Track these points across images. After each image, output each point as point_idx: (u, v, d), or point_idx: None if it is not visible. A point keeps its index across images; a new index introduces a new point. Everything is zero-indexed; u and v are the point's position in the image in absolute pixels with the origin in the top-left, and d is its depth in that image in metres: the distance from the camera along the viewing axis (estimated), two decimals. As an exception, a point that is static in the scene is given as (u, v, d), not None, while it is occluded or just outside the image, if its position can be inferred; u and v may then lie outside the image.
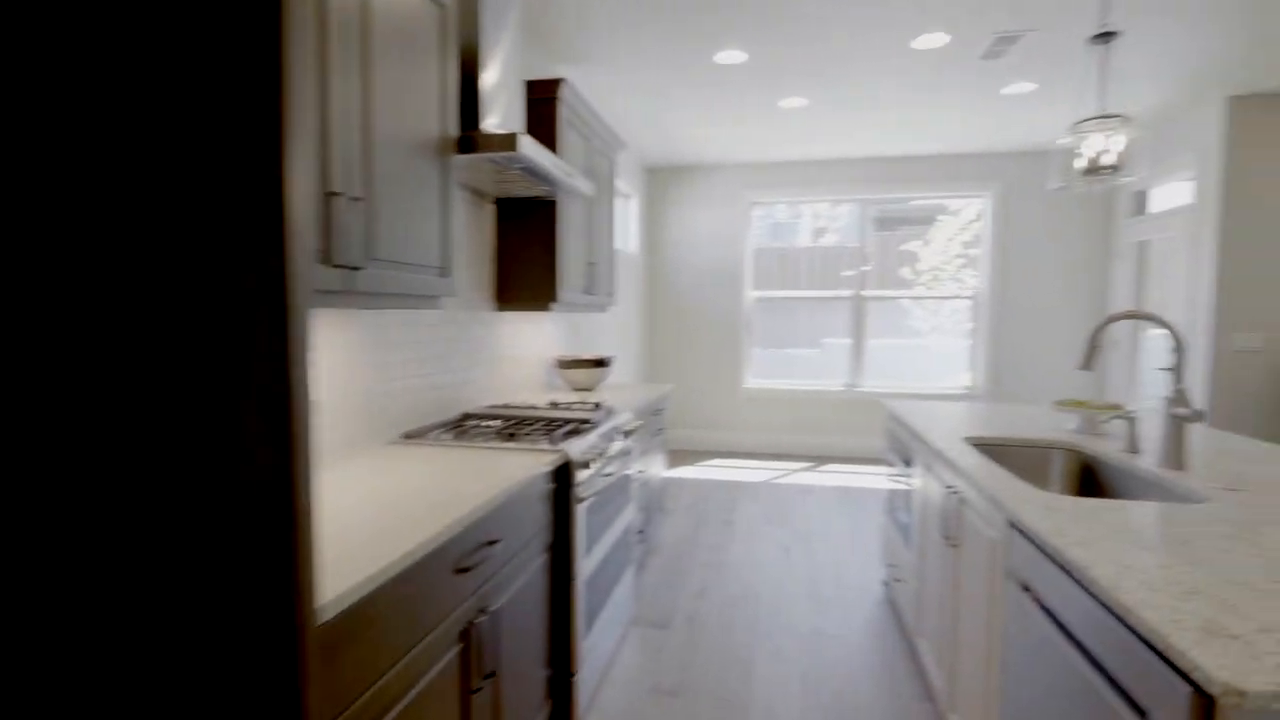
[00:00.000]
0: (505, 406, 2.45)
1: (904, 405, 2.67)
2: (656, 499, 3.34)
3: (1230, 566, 1.02)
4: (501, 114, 2.13)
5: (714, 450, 5.65)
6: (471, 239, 2.53)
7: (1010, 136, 4.58)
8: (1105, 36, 2.33)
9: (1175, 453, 1.66)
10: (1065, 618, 1.11)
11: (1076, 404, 2.20)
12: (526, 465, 1.66)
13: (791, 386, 5.54)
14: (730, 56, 3.18)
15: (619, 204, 5.23)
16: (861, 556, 3.25)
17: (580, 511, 1.87)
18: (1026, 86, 3.60)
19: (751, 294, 5.62)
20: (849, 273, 5.52)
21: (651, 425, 3.14)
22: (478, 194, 2.55)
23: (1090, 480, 1.93)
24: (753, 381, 5.65)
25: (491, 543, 1.43)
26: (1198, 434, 2.11)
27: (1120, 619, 0.94)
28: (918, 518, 2.23)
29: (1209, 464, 1.70)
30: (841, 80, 3.51)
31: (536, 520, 1.70)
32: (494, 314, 2.74)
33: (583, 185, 2.39)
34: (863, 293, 5.43)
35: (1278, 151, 3.73)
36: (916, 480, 2.27)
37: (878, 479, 4.73)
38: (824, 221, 6.94)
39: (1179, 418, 1.65)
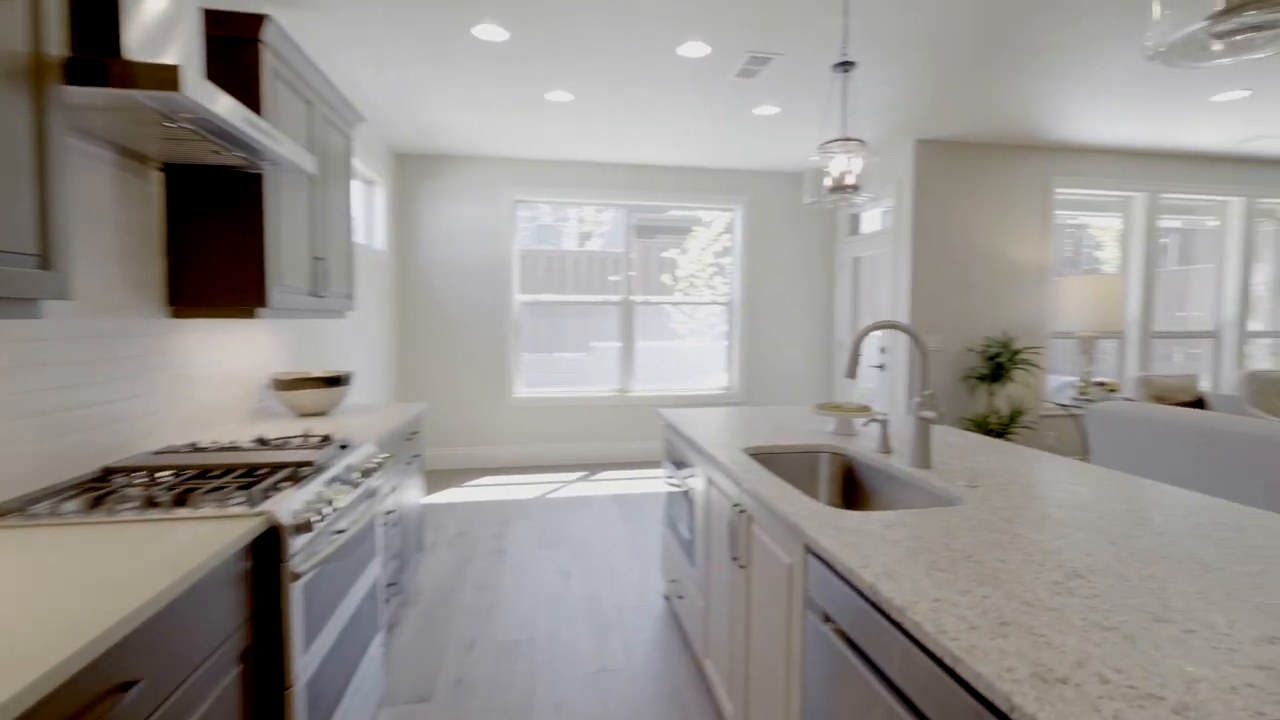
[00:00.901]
0: (186, 450, 1.79)
1: (680, 416, 2.61)
2: (413, 537, 2.85)
3: (1015, 582, 1.00)
4: (160, 41, 1.51)
5: (483, 467, 5.21)
6: (121, 219, 1.81)
7: (759, 155, 4.97)
8: (845, 65, 2.52)
9: (923, 453, 1.77)
10: (877, 656, 1.01)
11: (834, 408, 2.32)
12: (203, 543, 1.13)
13: (563, 394, 5.36)
14: (490, 32, 2.83)
15: (361, 190, 4.51)
16: (642, 568, 3.16)
17: (296, 592, 1.38)
18: (773, 109, 3.88)
19: (519, 297, 5.31)
20: (615, 277, 5.53)
21: (404, 453, 2.65)
22: (133, 156, 1.83)
23: (852, 481, 2.01)
24: (523, 390, 5.34)
25: (125, 686, 0.91)
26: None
27: (948, 669, 0.85)
28: (701, 534, 2.14)
29: (943, 459, 1.86)
30: (608, 78, 3.39)
31: (220, 622, 1.18)
32: (170, 322, 2.02)
33: (297, 156, 1.85)
34: (630, 297, 5.48)
35: (950, 187, 4.57)
36: (698, 493, 2.18)
37: (655, 482, 4.77)
38: (590, 226, 6.92)
39: (925, 420, 1.76)
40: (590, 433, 5.38)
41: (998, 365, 4.41)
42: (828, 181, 2.51)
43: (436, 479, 4.83)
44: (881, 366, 4.94)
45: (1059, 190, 4.78)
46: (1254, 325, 5.34)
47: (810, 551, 1.27)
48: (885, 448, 1.94)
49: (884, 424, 1.95)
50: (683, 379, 5.69)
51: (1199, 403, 3.95)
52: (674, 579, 2.56)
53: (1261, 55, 1.17)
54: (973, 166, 4.61)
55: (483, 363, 5.17)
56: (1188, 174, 5.00)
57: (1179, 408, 3.39)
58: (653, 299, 5.58)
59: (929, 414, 1.74)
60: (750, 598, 1.65)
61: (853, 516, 1.33)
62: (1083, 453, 4.91)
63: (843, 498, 2.04)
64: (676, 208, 5.57)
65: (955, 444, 2.08)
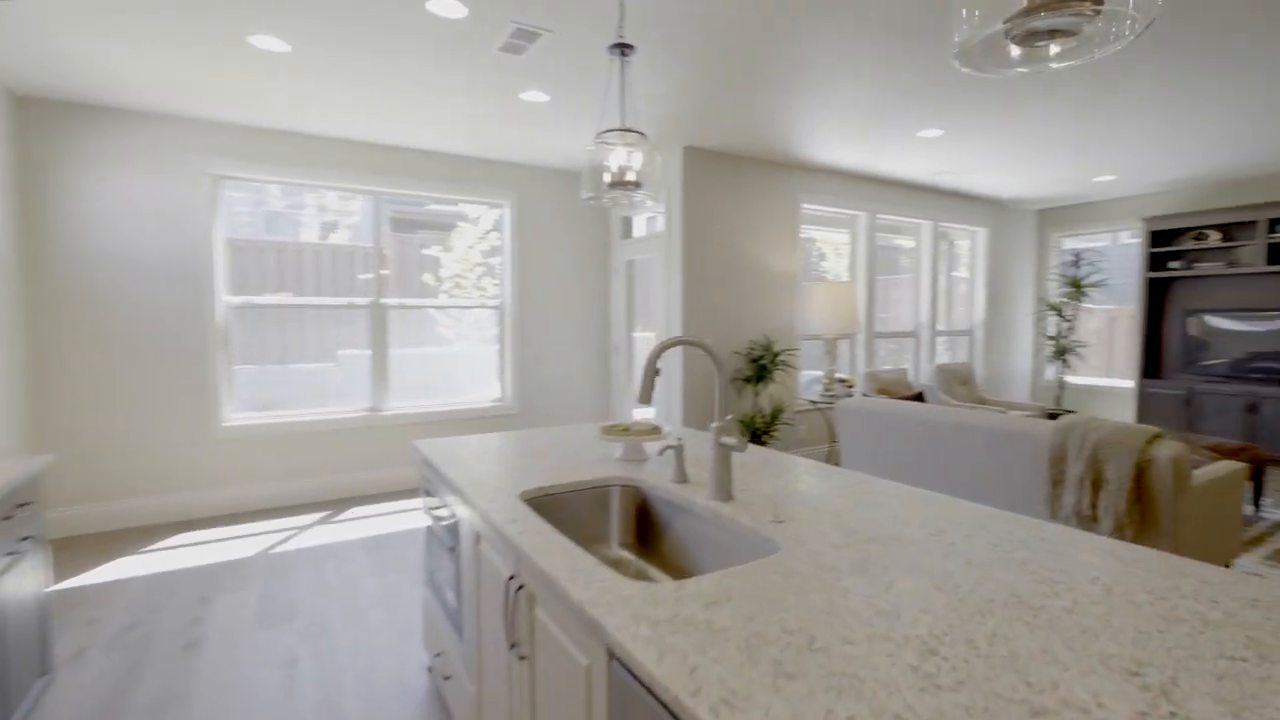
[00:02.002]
0: None
1: (442, 450, 2.11)
2: (29, 657, 1.91)
3: (874, 679, 0.77)
4: None
5: (179, 521, 4.01)
6: None
7: (529, 147, 4.58)
8: (623, 48, 2.27)
9: (724, 485, 1.56)
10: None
11: (622, 430, 2.04)
12: None
13: (296, 419, 4.38)
14: (147, -72, 2.02)
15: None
16: (401, 633, 2.57)
17: None
18: (542, 96, 3.53)
19: (227, 299, 4.20)
20: (366, 276, 4.72)
21: (9, 530, 1.74)
22: None
23: (648, 518, 1.74)
24: (237, 416, 4.24)
25: None
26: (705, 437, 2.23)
27: None
28: (470, 602, 1.70)
29: (740, 484, 1.68)
30: (335, 26, 2.72)
31: None
32: None
33: None
34: (383, 300, 4.71)
35: (716, 195, 4.70)
36: (465, 550, 1.73)
37: (416, 515, 4.10)
38: (334, 216, 5.89)
39: (726, 447, 1.56)
40: (333, 463, 4.49)
41: (761, 367, 4.65)
42: (607, 177, 2.23)
43: (92, 550, 3.56)
44: (657, 372, 4.92)
45: (804, 205, 5.24)
46: (940, 326, 6.50)
47: (615, 657, 0.93)
48: (682, 476, 1.71)
49: (679, 450, 1.71)
50: (450, 392, 5.08)
51: (920, 396, 4.58)
52: (439, 652, 2.06)
53: (1055, 66, 1.13)
54: (735, 177, 4.81)
55: (172, 386, 3.96)
56: (898, 199, 5.87)
57: (905, 401, 3.84)
58: (411, 301, 4.87)
59: (730, 441, 1.53)
60: (535, 699, 1.26)
61: (666, 596, 1.02)
62: (830, 442, 5.46)
63: (638, 538, 1.76)
64: (438, 200, 4.93)
65: (742, 462, 1.93)
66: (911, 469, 3.59)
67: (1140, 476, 2.63)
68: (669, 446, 1.72)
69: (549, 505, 1.68)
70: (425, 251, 5.13)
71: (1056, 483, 2.88)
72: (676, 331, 4.68)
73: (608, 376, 5.57)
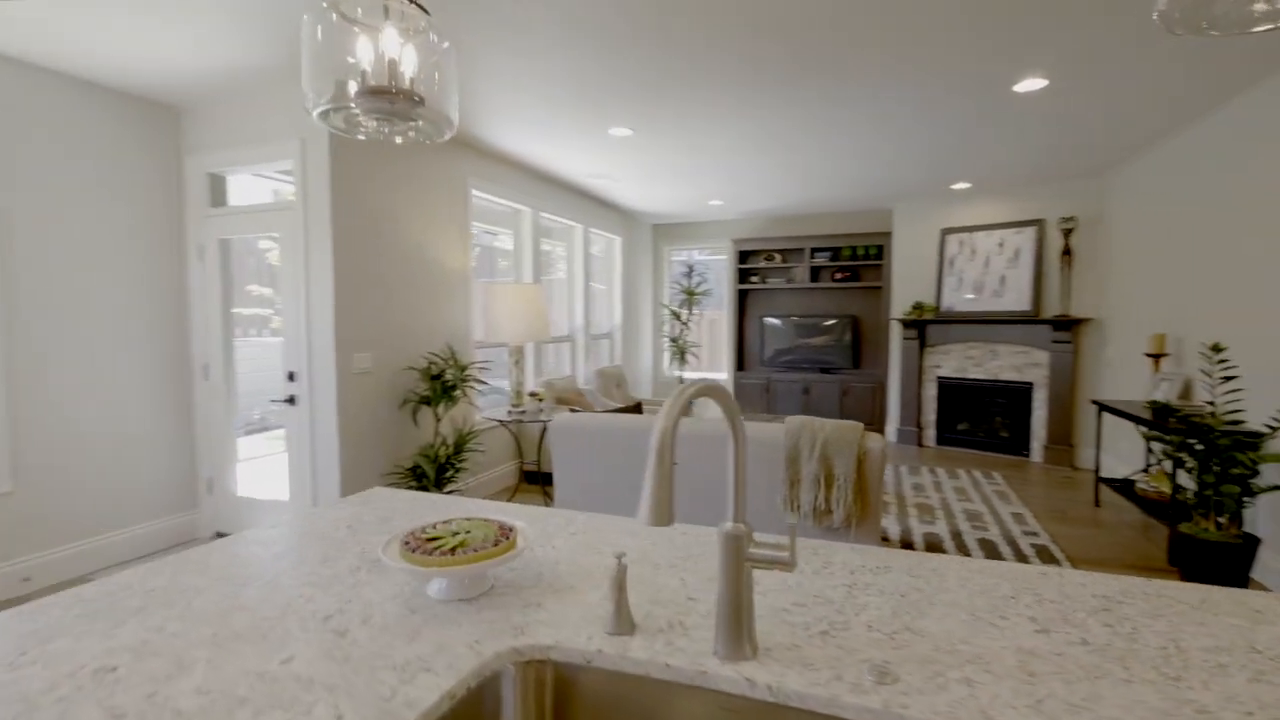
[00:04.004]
0: None
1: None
2: None
3: None
4: None
5: None
6: None
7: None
8: None
9: (625, 616, 0.88)
10: None
11: (435, 545, 1.09)
12: None
13: None
14: None
15: None
16: None
17: None
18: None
19: None
20: None
21: None
22: None
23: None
24: None
25: None
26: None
27: None
28: None
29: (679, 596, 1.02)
30: None
31: None
32: None
33: None
34: None
35: (374, 159, 3.55)
36: None
37: None
38: None
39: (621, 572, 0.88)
40: None
41: (445, 385, 3.75)
42: (357, 81, 1.21)
43: None
44: (291, 400, 3.50)
45: (475, 192, 4.49)
46: (594, 330, 6.59)
47: None
48: (625, 623, 0.94)
49: (619, 576, 0.94)
50: None
51: (639, 407, 4.38)
52: None
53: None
54: (400, 145, 3.75)
55: None
56: (560, 198, 5.62)
57: (622, 414, 3.57)
58: None
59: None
60: None
61: None
62: (519, 459, 4.86)
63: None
64: None
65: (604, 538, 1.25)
66: (635, 489, 3.33)
67: (860, 468, 2.91)
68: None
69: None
70: None
71: (794, 483, 2.99)
72: (321, 341, 3.38)
73: (189, 412, 3.74)
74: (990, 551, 3.55)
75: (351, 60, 1.23)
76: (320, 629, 0.92)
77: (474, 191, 4.48)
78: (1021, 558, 3.46)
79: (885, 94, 3.42)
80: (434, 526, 1.13)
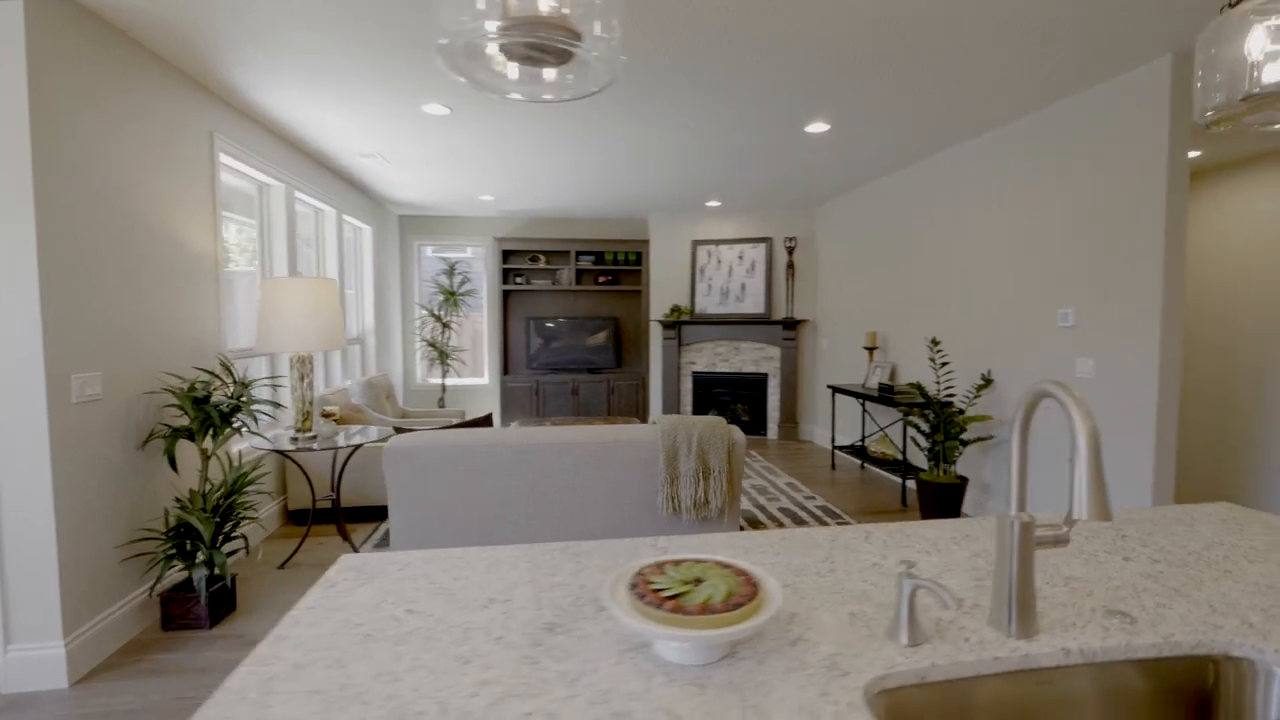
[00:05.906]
0: None
1: None
2: None
3: None
4: None
5: None
6: None
7: None
8: None
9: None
10: None
11: (685, 597, 0.86)
12: None
13: None
14: None
15: None
16: None
17: None
18: None
19: None
20: None
21: None
22: None
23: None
24: None
25: None
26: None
27: None
28: None
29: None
30: None
31: None
32: None
33: None
34: None
35: (89, 94, 2.44)
36: None
37: None
38: None
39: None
40: None
41: (222, 411, 2.79)
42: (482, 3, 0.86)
43: None
44: (-58, 450, 2.20)
45: (222, 155, 3.43)
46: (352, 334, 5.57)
47: None
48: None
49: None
50: None
51: (488, 419, 3.81)
52: None
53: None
54: (125, 72, 2.65)
55: None
56: (315, 176, 4.63)
57: (470, 428, 3.17)
58: None
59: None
60: None
61: None
62: (283, 493, 3.85)
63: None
64: None
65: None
66: (496, 513, 3.01)
67: (729, 459, 3.12)
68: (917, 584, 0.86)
69: None
70: None
71: (673, 480, 3.05)
72: (21, 357, 2.22)
73: None
74: (795, 520, 4.15)
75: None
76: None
77: (221, 155, 3.43)
78: (821, 521, 4.13)
79: (689, 120, 3.71)
80: (659, 569, 0.90)
